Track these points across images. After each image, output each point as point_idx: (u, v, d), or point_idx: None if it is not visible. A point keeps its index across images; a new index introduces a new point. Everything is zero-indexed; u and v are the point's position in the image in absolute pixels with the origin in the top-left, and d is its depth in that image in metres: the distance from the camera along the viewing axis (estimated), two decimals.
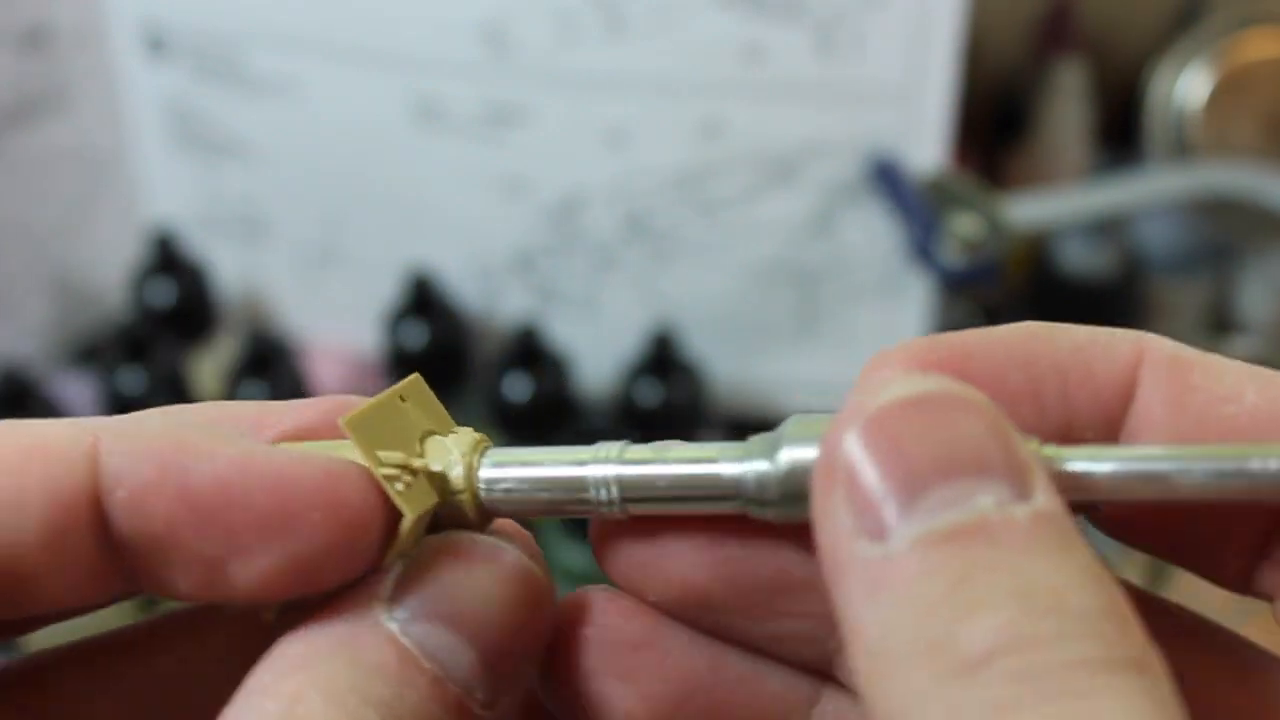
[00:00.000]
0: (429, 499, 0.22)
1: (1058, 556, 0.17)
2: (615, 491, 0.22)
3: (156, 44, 0.70)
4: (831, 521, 0.18)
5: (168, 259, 0.70)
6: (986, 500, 0.17)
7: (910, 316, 0.68)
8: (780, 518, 0.21)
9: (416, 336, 0.68)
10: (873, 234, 0.66)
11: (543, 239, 0.69)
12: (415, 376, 0.23)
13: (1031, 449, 0.19)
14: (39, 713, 0.23)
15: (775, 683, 0.23)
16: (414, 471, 0.22)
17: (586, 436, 0.62)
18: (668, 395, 0.66)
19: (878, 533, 0.18)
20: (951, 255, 0.62)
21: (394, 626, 0.20)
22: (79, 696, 0.23)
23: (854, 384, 0.21)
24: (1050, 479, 0.18)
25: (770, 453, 0.21)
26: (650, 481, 0.22)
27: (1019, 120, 0.78)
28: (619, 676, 0.23)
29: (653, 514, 0.22)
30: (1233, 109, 0.74)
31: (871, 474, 0.18)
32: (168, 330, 0.69)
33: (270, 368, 0.65)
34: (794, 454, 0.21)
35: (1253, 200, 0.69)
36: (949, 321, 0.70)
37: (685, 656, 0.23)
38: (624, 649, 0.23)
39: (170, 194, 0.74)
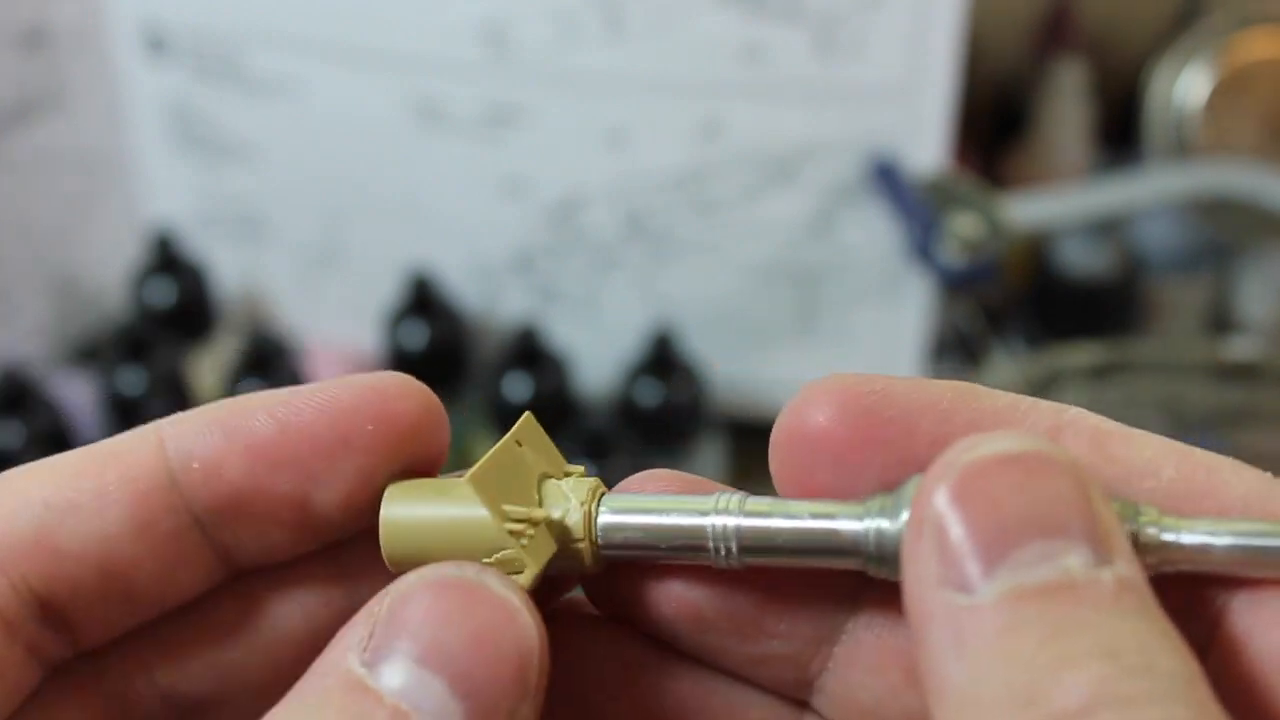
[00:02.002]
0: (549, 548, 0.22)
1: (1143, 621, 0.18)
2: (734, 544, 0.22)
3: (156, 44, 0.70)
4: (918, 570, 0.19)
5: (168, 259, 0.70)
6: (1073, 561, 0.18)
7: (910, 316, 0.68)
8: (899, 576, 0.21)
9: (416, 336, 0.68)
10: (873, 234, 0.66)
11: (543, 239, 0.69)
12: (528, 417, 0.23)
13: (1131, 514, 0.20)
14: (111, 693, 0.23)
15: (756, 712, 0.24)
16: (535, 522, 0.22)
17: (587, 437, 0.62)
18: (668, 395, 0.66)
19: (965, 585, 0.18)
20: (951, 255, 0.62)
21: (363, 670, 0.20)
22: (151, 673, 0.24)
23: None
24: (1130, 546, 0.19)
25: (893, 513, 0.21)
26: (770, 536, 0.22)
27: (1019, 120, 0.78)
28: (615, 700, 0.23)
29: (767, 566, 0.22)
30: (1233, 109, 0.74)
31: (960, 528, 0.18)
32: (168, 330, 0.69)
33: (270, 368, 0.65)
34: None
35: (1253, 200, 0.69)
36: (949, 321, 0.71)
37: (673, 684, 0.23)
38: (621, 674, 0.23)
39: (170, 194, 0.74)
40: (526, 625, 0.20)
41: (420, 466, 0.23)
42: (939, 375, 0.69)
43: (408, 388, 0.23)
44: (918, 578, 0.19)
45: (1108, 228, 0.75)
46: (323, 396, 0.22)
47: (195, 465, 0.22)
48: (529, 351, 0.66)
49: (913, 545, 0.19)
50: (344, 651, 0.20)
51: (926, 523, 0.19)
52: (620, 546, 0.22)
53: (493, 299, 0.72)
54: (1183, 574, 0.20)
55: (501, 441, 0.22)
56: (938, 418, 0.21)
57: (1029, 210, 0.66)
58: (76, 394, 0.70)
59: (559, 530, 0.22)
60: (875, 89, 0.64)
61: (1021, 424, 0.22)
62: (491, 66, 0.66)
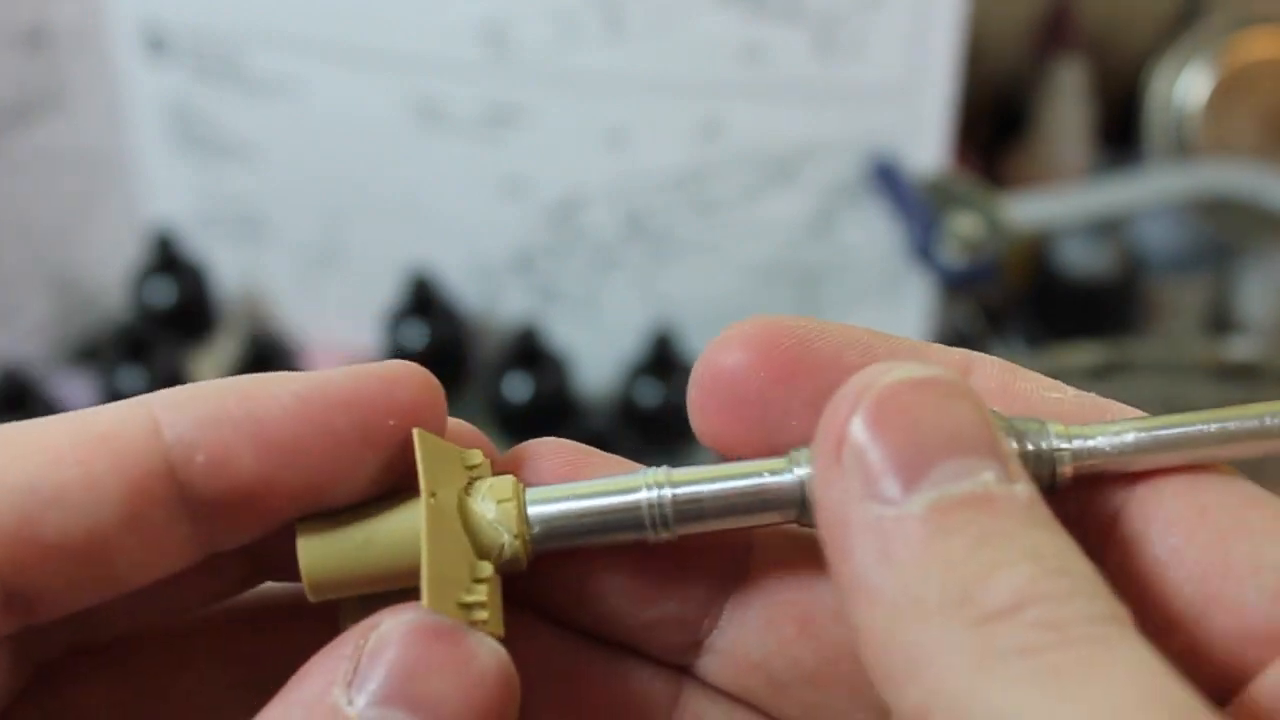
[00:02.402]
0: (498, 592, 0.22)
1: (1052, 530, 0.19)
2: (669, 516, 0.22)
3: (156, 44, 0.70)
4: (838, 492, 0.20)
5: (168, 259, 0.70)
6: (988, 476, 0.19)
7: (910, 316, 0.68)
8: None
9: (416, 336, 0.68)
10: (873, 234, 0.66)
11: (543, 239, 0.69)
12: (419, 435, 0.22)
13: (1041, 427, 0.22)
14: (121, 689, 0.23)
15: (638, 680, 0.24)
16: (485, 580, 0.21)
17: (587, 437, 0.62)
18: (668, 395, 0.66)
19: (887, 499, 0.19)
20: (951, 255, 0.62)
21: (350, 709, 0.20)
22: (161, 674, 0.23)
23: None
24: (1025, 469, 0.20)
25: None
26: (703, 502, 0.22)
27: (1019, 120, 0.78)
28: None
29: (702, 532, 0.22)
30: (1233, 109, 0.74)
31: (881, 448, 0.20)
32: (168, 330, 0.69)
33: (270, 368, 0.65)
34: None
35: (1253, 200, 0.69)
36: (949, 321, 0.71)
37: (547, 645, 0.24)
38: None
39: (170, 194, 0.74)
40: (508, 672, 0.21)
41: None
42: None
43: (420, 378, 0.22)
44: (838, 499, 0.20)
45: (1108, 228, 0.75)
46: (340, 387, 0.22)
47: (200, 458, 0.21)
48: (529, 351, 0.66)
49: (829, 469, 0.20)
50: (328, 685, 0.20)
51: (846, 445, 0.20)
52: (555, 538, 0.22)
53: (493, 299, 0.72)
54: (1082, 480, 0.22)
55: (425, 513, 0.21)
56: (860, 351, 0.23)
57: (1029, 210, 0.66)
58: (76, 394, 0.70)
59: (493, 537, 0.22)
60: (875, 89, 0.64)
61: (935, 356, 0.23)
62: (491, 66, 0.66)
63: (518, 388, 0.66)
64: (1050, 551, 0.19)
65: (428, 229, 0.71)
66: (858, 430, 0.20)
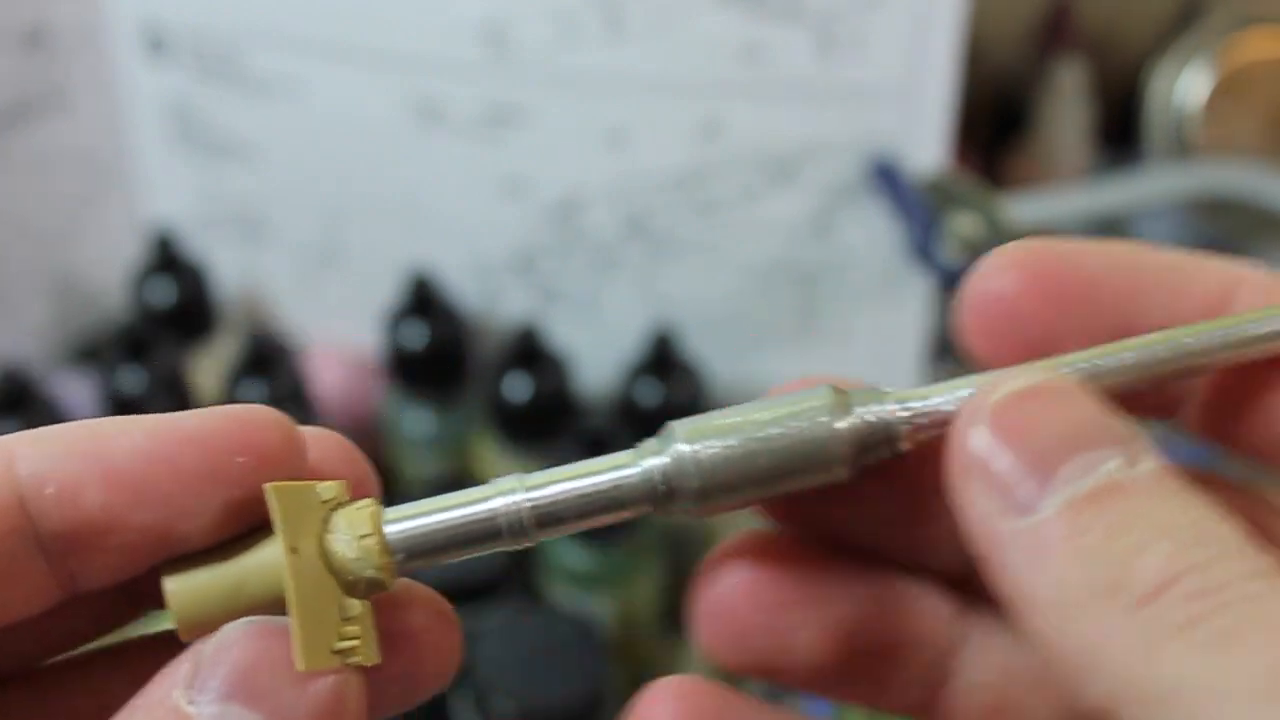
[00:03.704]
0: (370, 620, 0.22)
1: (1183, 500, 0.20)
2: (525, 519, 0.22)
3: (156, 44, 0.70)
4: (975, 509, 0.21)
5: (168, 259, 0.70)
6: (1111, 465, 0.20)
7: (910, 316, 0.68)
8: (692, 511, 0.23)
9: (416, 336, 0.68)
10: (873, 234, 0.66)
11: (543, 239, 0.69)
12: (270, 490, 0.22)
13: (879, 397, 0.23)
14: None
15: (928, 601, 0.25)
16: (357, 619, 0.22)
17: (587, 437, 0.62)
18: (668, 395, 0.66)
19: (1024, 508, 0.20)
20: (951, 255, 0.62)
21: (191, 708, 0.20)
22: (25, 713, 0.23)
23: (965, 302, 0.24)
24: (1152, 443, 0.21)
25: (664, 448, 0.23)
26: (559, 505, 0.23)
27: (1019, 120, 0.78)
28: (800, 608, 0.24)
29: (559, 535, 0.23)
30: (1233, 109, 0.74)
31: (1006, 459, 0.21)
32: (168, 330, 0.69)
33: (270, 368, 0.65)
34: (683, 448, 0.23)
35: (1253, 200, 0.69)
36: (949, 321, 0.70)
37: (853, 582, 0.25)
38: (801, 581, 0.24)
39: (170, 194, 0.74)
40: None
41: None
42: (939, 375, 0.69)
43: (274, 419, 0.22)
44: (978, 516, 0.21)
45: (1108, 228, 0.75)
46: (189, 426, 0.22)
47: (50, 490, 0.21)
48: (529, 351, 0.66)
49: (962, 491, 0.21)
50: (170, 687, 0.20)
51: (971, 465, 0.21)
52: (419, 558, 0.23)
53: (493, 299, 0.72)
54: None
55: (288, 571, 0.21)
56: (1127, 272, 0.23)
57: (1029, 210, 0.66)
58: (76, 394, 0.70)
59: (358, 573, 0.22)
60: (875, 89, 0.64)
61: (1199, 268, 0.24)
62: (491, 66, 0.66)
63: (518, 388, 0.66)
64: (1185, 523, 0.20)
65: (428, 229, 0.71)
66: (981, 449, 0.21)
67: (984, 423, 0.21)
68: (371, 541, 0.22)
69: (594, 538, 0.61)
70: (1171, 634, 0.18)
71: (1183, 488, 0.20)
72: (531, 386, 0.65)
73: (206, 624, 0.22)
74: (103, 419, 0.22)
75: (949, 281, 0.64)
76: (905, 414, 0.23)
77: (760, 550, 0.25)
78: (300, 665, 0.21)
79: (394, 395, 0.70)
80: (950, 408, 0.23)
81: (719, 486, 0.23)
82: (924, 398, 0.23)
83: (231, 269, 0.74)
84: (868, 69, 0.63)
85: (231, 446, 0.22)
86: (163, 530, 0.22)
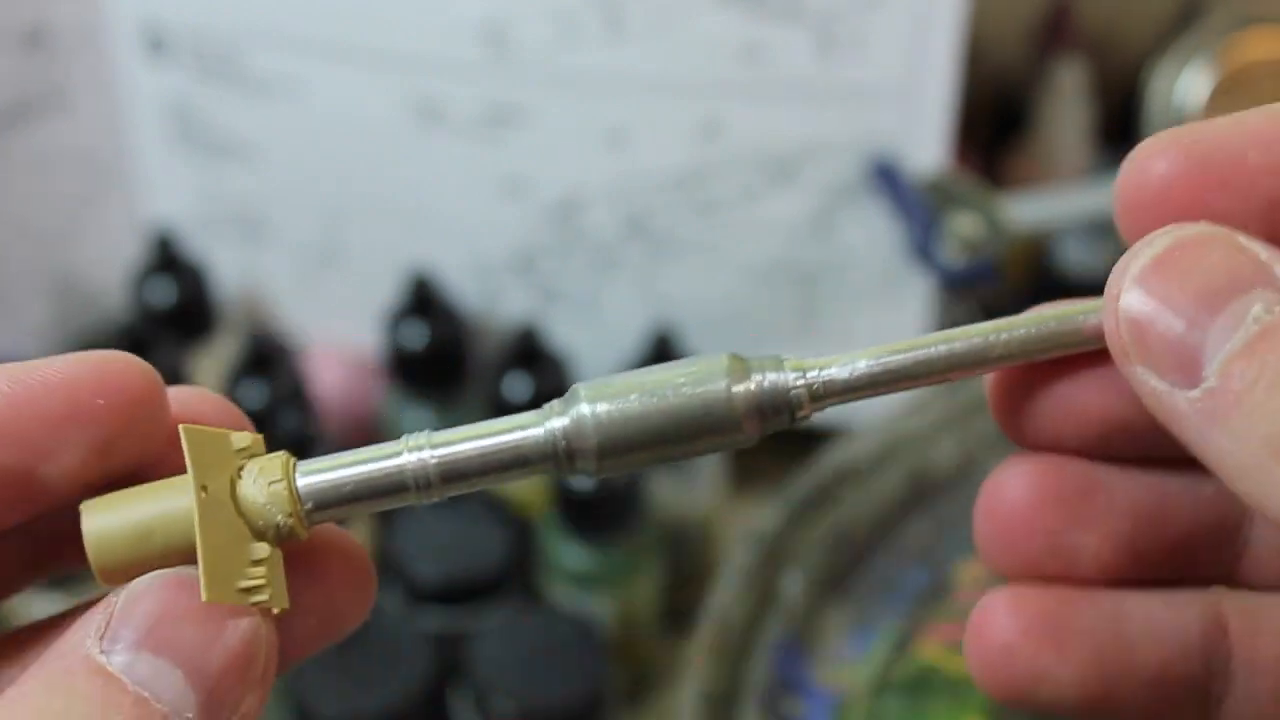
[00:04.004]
0: (279, 564, 0.23)
1: None
2: (431, 474, 0.23)
3: (156, 44, 0.70)
4: (1145, 388, 0.21)
5: (168, 259, 0.70)
6: (1258, 310, 0.20)
7: (910, 316, 0.68)
8: (593, 471, 0.23)
9: (416, 336, 0.68)
10: (873, 234, 0.66)
11: (543, 239, 0.70)
12: (185, 430, 0.23)
13: (777, 364, 0.23)
14: None
15: (1209, 491, 0.25)
16: (264, 562, 0.22)
17: None
18: None
19: (1190, 380, 0.21)
20: (951, 255, 0.62)
21: (102, 657, 0.21)
22: None
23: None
24: None
25: (566, 410, 0.23)
26: (459, 459, 0.23)
27: (1019, 120, 0.78)
28: (1078, 527, 0.25)
29: (466, 491, 0.24)
30: (1233, 109, 0.74)
31: (1155, 324, 0.21)
32: (168, 330, 0.69)
33: (270, 368, 0.65)
34: (583, 409, 0.23)
35: None
36: (949, 321, 0.71)
37: (1127, 489, 0.25)
38: (1075, 499, 0.25)
39: (170, 194, 0.74)
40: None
41: (142, 443, 0.23)
42: None
43: (134, 364, 0.23)
44: (1149, 393, 0.21)
45: (1108, 228, 0.74)
46: (48, 371, 0.23)
47: None
48: (529, 351, 0.66)
49: (1127, 369, 0.22)
50: (83, 638, 0.21)
51: (1127, 342, 0.21)
52: (328, 509, 0.23)
53: (493, 299, 0.72)
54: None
55: (197, 508, 0.22)
56: (1262, 148, 0.23)
57: (1029, 210, 0.66)
58: None
59: (268, 518, 0.23)
60: (875, 89, 0.64)
61: None
62: (491, 66, 0.66)
63: (518, 388, 0.66)
64: None
65: (428, 229, 0.71)
66: (1134, 313, 0.21)
67: (1136, 289, 0.21)
68: (280, 487, 0.23)
69: (594, 538, 0.61)
70: None
71: None
72: (531, 386, 0.65)
73: (122, 570, 0.22)
74: None
75: (949, 281, 0.64)
76: (802, 382, 0.23)
77: (1032, 474, 0.25)
78: (205, 596, 0.21)
79: (394, 395, 0.70)
80: (845, 375, 0.23)
81: (616, 446, 0.23)
82: (821, 366, 0.23)
83: (231, 269, 0.74)
84: (868, 69, 0.63)
85: (92, 389, 0.22)
86: (25, 471, 0.22)
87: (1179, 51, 0.74)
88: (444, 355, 0.69)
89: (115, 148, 0.73)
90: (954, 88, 0.63)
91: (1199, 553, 0.25)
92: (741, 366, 0.23)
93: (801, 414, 0.23)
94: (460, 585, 0.60)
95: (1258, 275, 0.21)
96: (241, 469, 0.23)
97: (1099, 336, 0.23)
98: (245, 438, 0.23)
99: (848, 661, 0.54)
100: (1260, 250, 0.21)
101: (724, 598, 0.54)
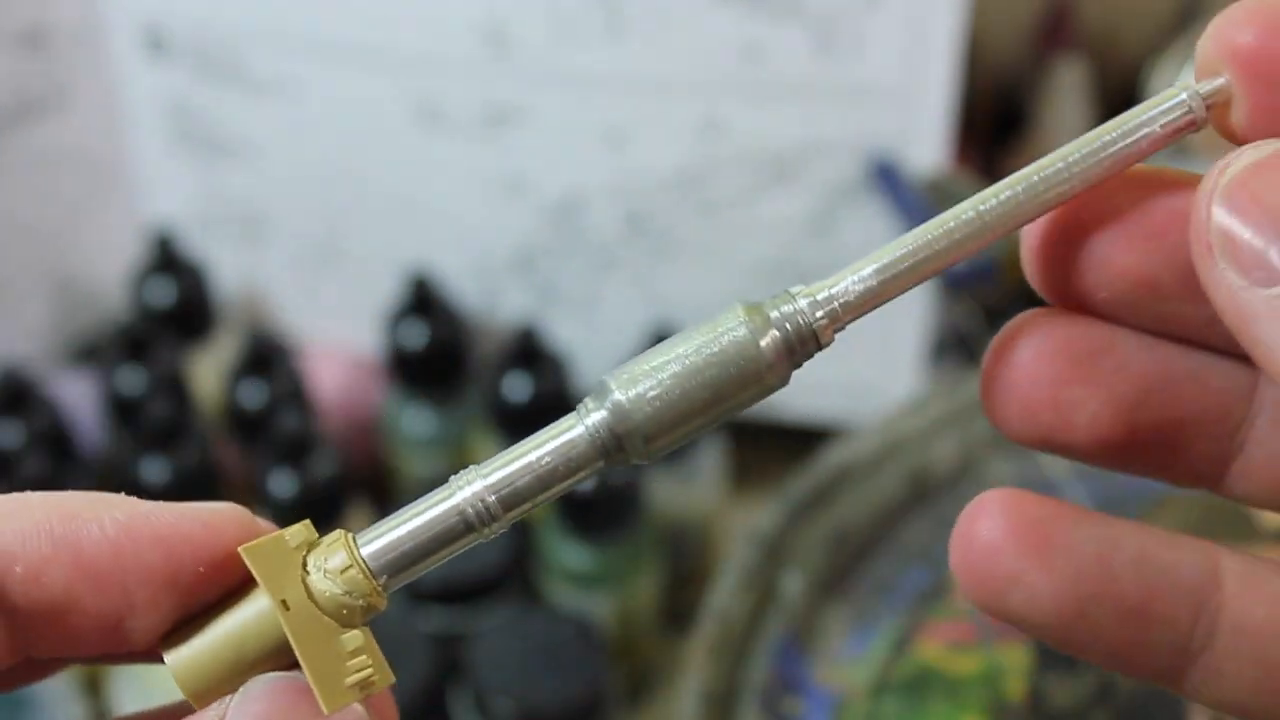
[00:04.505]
0: (371, 641, 0.23)
1: None
2: (494, 508, 0.23)
3: (156, 44, 0.70)
4: (1222, 285, 0.21)
5: (167, 259, 0.70)
6: None
7: (910, 317, 0.68)
8: (644, 455, 0.23)
9: (416, 336, 0.68)
10: (873, 234, 0.66)
11: (543, 239, 0.70)
12: (245, 551, 0.23)
13: (789, 298, 0.23)
14: None
15: (1219, 374, 0.25)
16: (363, 651, 0.22)
17: None
18: None
19: (1269, 279, 0.21)
20: None
21: None
22: None
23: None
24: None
25: (601, 401, 0.23)
26: (519, 483, 0.23)
27: (1019, 120, 0.78)
28: (1084, 383, 0.24)
29: (527, 514, 0.23)
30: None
31: (1243, 232, 0.21)
32: (168, 330, 0.69)
33: (270, 368, 0.65)
34: (620, 398, 0.23)
35: None
36: (949, 321, 0.71)
37: (1140, 357, 0.25)
38: (1086, 356, 0.25)
39: (170, 194, 0.74)
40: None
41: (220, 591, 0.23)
42: (939, 375, 0.69)
43: (243, 530, 0.23)
44: (1226, 291, 0.21)
45: None
46: (160, 524, 0.22)
47: (18, 569, 0.22)
48: (529, 351, 0.66)
49: (1207, 268, 0.22)
50: None
51: (1213, 240, 0.21)
52: (403, 573, 0.23)
53: (493, 299, 0.72)
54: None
55: (287, 628, 0.22)
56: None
57: None
58: (76, 394, 0.70)
59: (351, 605, 0.23)
60: (875, 89, 0.64)
61: None
62: (491, 66, 0.66)
63: (517, 388, 0.66)
64: None
65: (428, 229, 0.71)
66: (1222, 223, 0.21)
67: (1220, 199, 0.21)
68: (354, 572, 0.22)
69: (594, 538, 0.61)
70: None
71: None
72: (531, 386, 0.65)
73: (215, 691, 0.22)
74: (77, 496, 0.23)
75: (949, 281, 0.64)
76: (821, 312, 0.24)
77: (1047, 328, 0.25)
78: (326, 709, 0.21)
79: (394, 395, 0.70)
80: (860, 288, 0.24)
81: (662, 424, 0.23)
82: (831, 286, 0.24)
83: (231, 269, 0.74)
84: (867, 69, 0.63)
85: (196, 553, 0.22)
86: (114, 619, 0.22)
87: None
88: (444, 355, 0.69)
89: (115, 148, 0.73)
90: (954, 87, 0.63)
91: (1193, 443, 0.25)
92: (759, 313, 0.23)
93: (827, 340, 0.24)
94: (460, 585, 0.60)
95: None
96: (305, 563, 0.23)
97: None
98: (297, 532, 0.23)
99: (847, 661, 0.54)
100: None
101: (724, 597, 0.54)
